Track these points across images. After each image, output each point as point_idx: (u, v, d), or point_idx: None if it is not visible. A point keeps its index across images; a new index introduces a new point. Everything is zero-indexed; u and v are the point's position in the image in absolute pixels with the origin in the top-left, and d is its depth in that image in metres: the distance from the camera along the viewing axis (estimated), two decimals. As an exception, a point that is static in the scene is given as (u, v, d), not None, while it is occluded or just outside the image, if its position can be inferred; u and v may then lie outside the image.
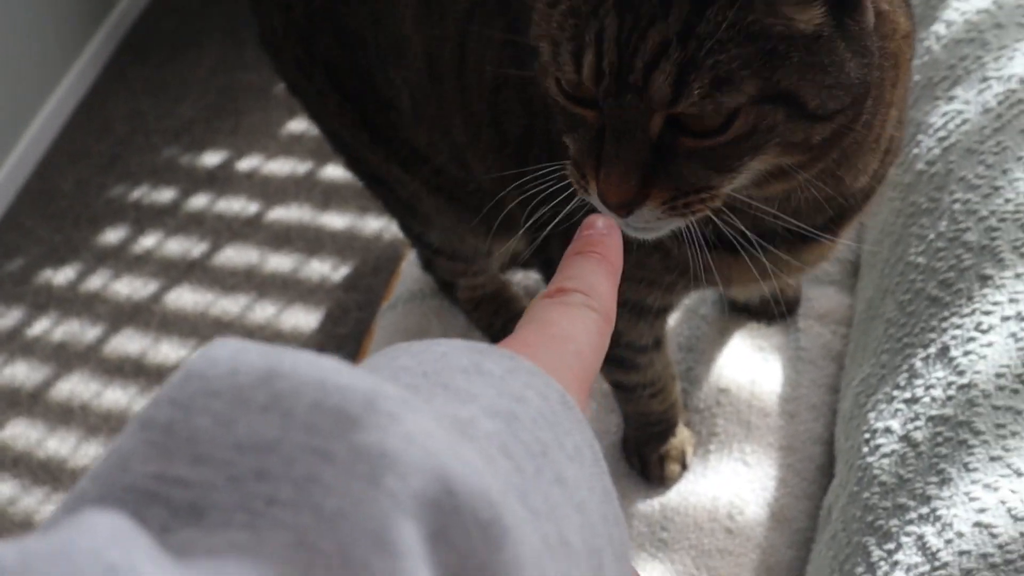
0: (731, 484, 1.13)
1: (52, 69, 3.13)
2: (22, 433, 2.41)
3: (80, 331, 2.58)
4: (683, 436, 1.16)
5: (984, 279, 0.95)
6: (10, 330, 2.64)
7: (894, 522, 0.89)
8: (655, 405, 1.12)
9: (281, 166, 2.83)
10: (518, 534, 0.32)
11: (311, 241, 2.60)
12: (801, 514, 1.11)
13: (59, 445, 2.35)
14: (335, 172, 2.73)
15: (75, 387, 2.47)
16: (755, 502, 1.11)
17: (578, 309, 0.48)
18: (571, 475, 0.38)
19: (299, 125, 2.90)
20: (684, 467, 1.16)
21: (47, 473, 2.30)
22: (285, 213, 2.69)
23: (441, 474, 0.31)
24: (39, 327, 2.63)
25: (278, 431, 0.31)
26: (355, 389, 0.32)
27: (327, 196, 2.70)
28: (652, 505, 1.14)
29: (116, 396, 2.42)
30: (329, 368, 0.32)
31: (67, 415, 2.41)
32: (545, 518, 0.35)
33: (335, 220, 2.63)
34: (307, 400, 0.31)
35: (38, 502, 2.26)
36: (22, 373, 2.53)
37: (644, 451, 1.15)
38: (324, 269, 2.51)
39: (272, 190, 2.76)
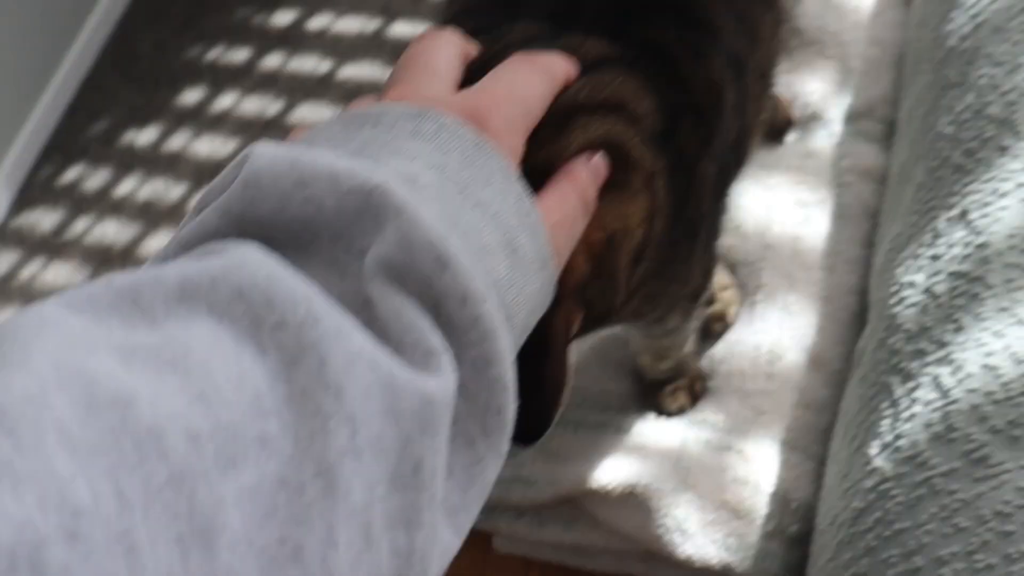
0: (774, 332, 1.24)
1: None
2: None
3: (165, 190, 2.72)
4: (725, 297, 1.27)
5: (1003, 149, 1.04)
6: (98, 190, 2.78)
7: (915, 364, 1.00)
8: None
9: (351, 24, 2.91)
10: (456, 260, 0.50)
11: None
12: (837, 358, 1.23)
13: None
14: (404, 28, 2.82)
15: (162, 241, 2.59)
16: (794, 347, 1.23)
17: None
18: (486, 195, 0.56)
19: (370, -20, 2.96)
20: (726, 325, 1.27)
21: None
22: (356, 71, 2.79)
23: (405, 237, 0.49)
24: (126, 187, 2.76)
25: (315, 212, 0.50)
26: (363, 188, 0.50)
27: (397, 53, 2.76)
28: (703, 360, 1.26)
29: (202, 251, 2.55)
30: (336, 168, 0.51)
31: (156, 270, 2.55)
32: (470, 234, 0.53)
33: (404, 76, 2.71)
34: (331, 197, 0.50)
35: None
36: (112, 231, 2.68)
37: None
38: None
39: (343, 48, 2.85)
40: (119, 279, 0.45)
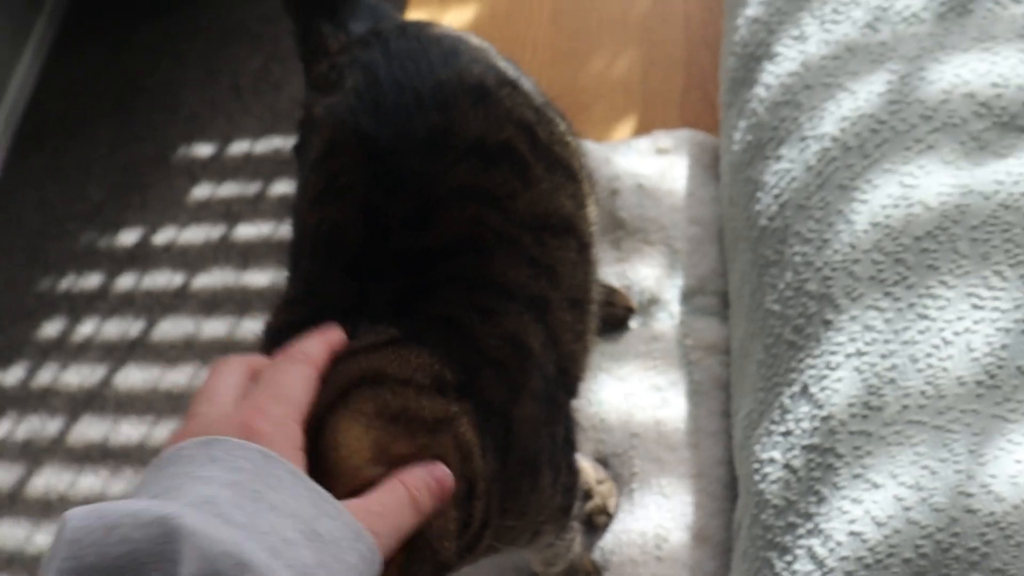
0: (655, 516, 1.31)
1: (-44, 174, 3.16)
2: (9, 533, 2.54)
3: (41, 426, 2.70)
4: (602, 491, 1.34)
5: (827, 324, 1.12)
6: (-27, 437, 2.76)
7: (788, 538, 1.06)
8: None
9: (195, 234, 2.94)
10: (254, 562, 0.60)
11: (239, 302, 2.74)
12: (719, 529, 1.30)
13: (46, 538, 2.48)
14: (247, 231, 2.87)
15: (49, 480, 2.60)
16: (677, 527, 1.29)
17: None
18: (279, 498, 0.66)
19: (203, 191, 3.02)
20: (609, 516, 1.34)
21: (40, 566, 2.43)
22: (209, 279, 2.82)
23: (205, 555, 0.59)
24: (1, 429, 2.75)
25: (131, 547, 0.58)
26: (157, 518, 0.59)
27: (245, 256, 2.84)
28: (594, 552, 1.32)
29: (90, 482, 2.55)
30: (137, 507, 0.60)
31: (47, 508, 2.54)
32: (269, 534, 0.63)
33: (258, 277, 2.78)
34: (138, 531, 0.59)
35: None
36: (-7, 478, 2.66)
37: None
38: (256, 327, 2.63)
39: (192, 258, 2.88)
40: None
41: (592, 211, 1.16)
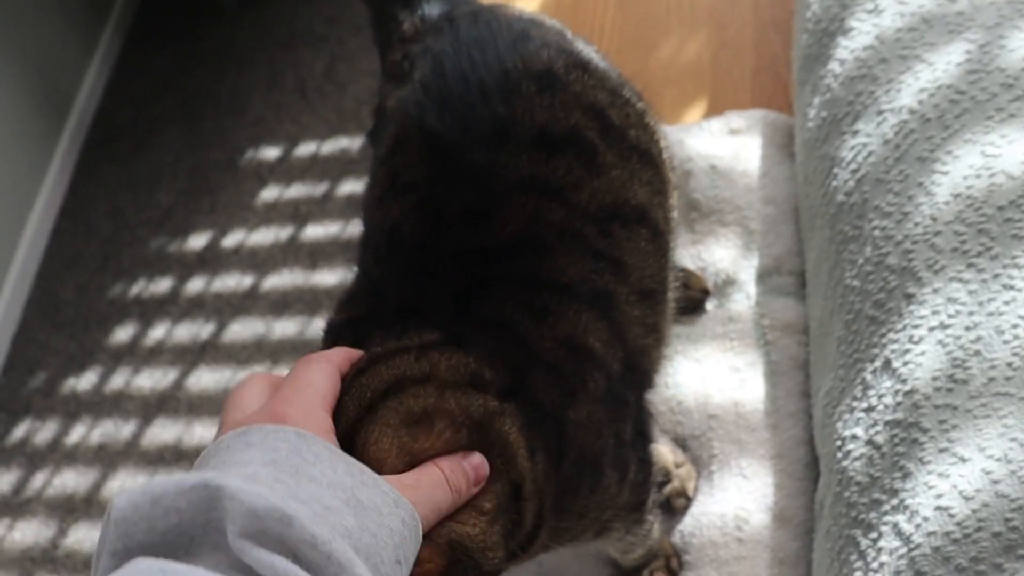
0: (735, 498, 1.30)
1: (28, 184, 3.22)
2: (85, 536, 2.57)
3: (115, 430, 2.73)
4: (681, 474, 1.33)
5: (909, 297, 1.10)
6: (50, 442, 2.78)
7: (873, 515, 1.04)
8: None
9: (264, 235, 2.97)
10: (298, 515, 0.61)
11: (309, 302, 2.76)
12: (800, 510, 1.28)
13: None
14: (316, 231, 2.89)
15: (123, 483, 2.63)
16: (758, 509, 1.28)
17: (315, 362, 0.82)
18: (316, 472, 0.67)
19: (271, 192, 3.05)
20: (688, 499, 1.33)
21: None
22: (279, 280, 2.84)
23: (250, 509, 0.60)
24: (76, 434, 2.77)
25: (178, 517, 0.60)
26: (200, 482, 0.61)
27: (314, 256, 2.85)
28: (674, 536, 1.31)
29: (164, 485, 2.56)
30: (179, 478, 0.62)
31: (123, 512, 2.56)
32: (310, 501, 0.64)
33: (327, 277, 2.79)
34: (182, 498, 0.61)
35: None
36: (72, 481, 2.68)
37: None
38: (326, 326, 2.65)
39: (261, 260, 2.91)
40: None
41: (673, 198, 1.14)
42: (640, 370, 1.06)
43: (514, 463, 0.85)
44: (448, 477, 0.77)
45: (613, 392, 0.99)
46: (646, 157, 1.08)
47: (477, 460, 0.80)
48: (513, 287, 0.95)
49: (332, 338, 0.97)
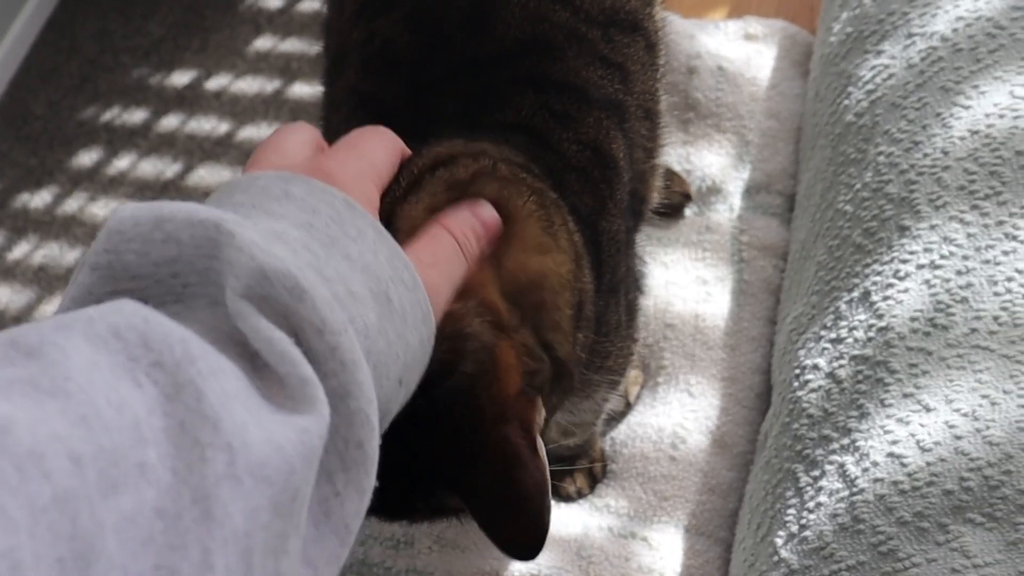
0: (677, 414, 1.22)
1: (18, -12, 3.12)
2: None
3: (59, 254, 2.65)
4: (628, 378, 1.24)
5: (903, 229, 1.04)
6: (-10, 254, 2.71)
7: (819, 451, 0.98)
8: None
9: (250, 84, 2.87)
10: (313, 291, 0.51)
11: (281, 160, 2.66)
12: (742, 440, 1.21)
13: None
14: (303, 90, 2.79)
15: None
16: (698, 430, 1.21)
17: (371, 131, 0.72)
18: (354, 250, 0.58)
19: (266, 42, 2.95)
20: (628, 406, 1.25)
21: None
22: (256, 132, 2.75)
23: (258, 268, 0.51)
24: (19, 251, 2.69)
25: (176, 251, 0.52)
26: (211, 219, 0.52)
27: (295, 114, 2.76)
28: (604, 441, 1.24)
29: (100, 314, 2.49)
30: (192, 207, 0.53)
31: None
32: (335, 281, 0.55)
33: (304, 138, 2.69)
34: (186, 231, 0.52)
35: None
36: (5, 296, 2.60)
37: None
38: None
39: (241, 109, 2.82)
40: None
41: (658, 11, 1.09)
42: (638, 196, 1.02)
43: (579, 267, 0.79)
44: (461, 243, 0.70)
45: (631, 209, 0.96)
46: None
47: (487, 213, 0.72)
48: (527, 90, 0.88)
49: None
